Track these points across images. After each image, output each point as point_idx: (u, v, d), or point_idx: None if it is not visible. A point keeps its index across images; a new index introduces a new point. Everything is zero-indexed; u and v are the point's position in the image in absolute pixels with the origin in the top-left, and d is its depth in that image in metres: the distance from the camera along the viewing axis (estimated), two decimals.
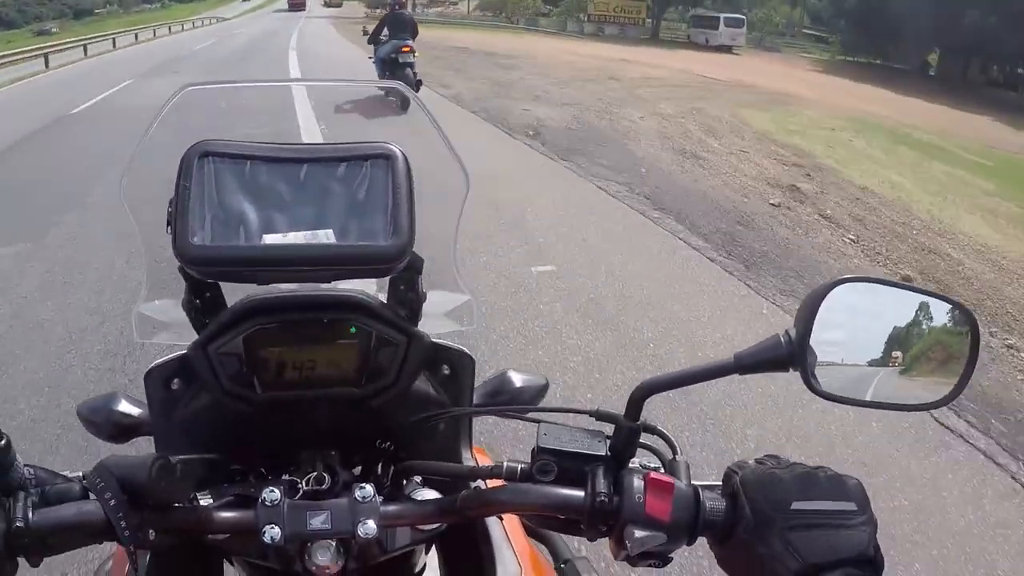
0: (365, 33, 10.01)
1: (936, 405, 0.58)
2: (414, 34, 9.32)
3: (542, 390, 0.83)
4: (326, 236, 0.58)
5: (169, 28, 31.26)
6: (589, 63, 17.50)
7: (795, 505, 0.51)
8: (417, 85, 8.48)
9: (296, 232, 0.58)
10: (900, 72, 31.09)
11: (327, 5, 51.55)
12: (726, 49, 33.33)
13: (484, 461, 0.65)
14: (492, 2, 48.68)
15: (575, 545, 0.81)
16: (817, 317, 0.53)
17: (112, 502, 0.50)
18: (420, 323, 0.67)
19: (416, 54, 9.12)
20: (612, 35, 37.60)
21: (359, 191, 0.60)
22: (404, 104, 7.82)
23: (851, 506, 0.51)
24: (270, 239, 0.58)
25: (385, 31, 9.36)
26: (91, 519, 0.51)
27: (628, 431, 0.57)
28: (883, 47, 34.77)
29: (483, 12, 49.70)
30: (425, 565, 0.79)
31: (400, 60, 8.92)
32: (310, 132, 6.93)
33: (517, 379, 0.82)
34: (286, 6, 57.73)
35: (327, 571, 0.58)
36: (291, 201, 0.59)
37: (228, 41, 23.85)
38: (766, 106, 12.22)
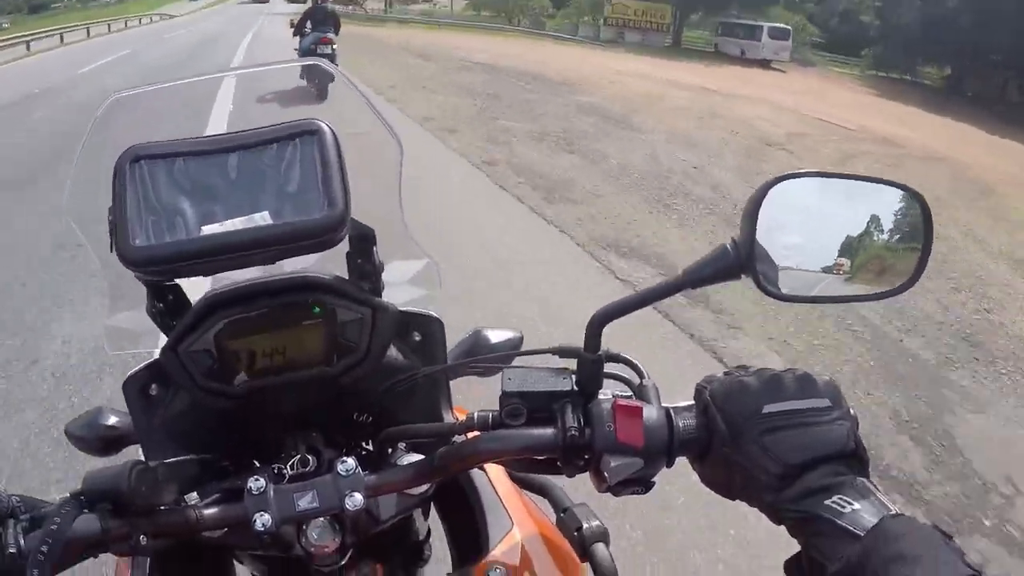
0: (292, 25, 12.63)
1: (895, 292, 0.70)
2: (336, 27, 12.21)
3: (517, 343, 0.96)
4: (262, 218, 0.70)
5: (88, 31, 29.66)
6: (682, 99, 15.44)
7: (766, 408, 0.61)
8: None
9: (233, 219, 0.70)
10: (936, 92, 32.91)
11: (291, 0, 53.91)
12: (765, 63, 34.18)
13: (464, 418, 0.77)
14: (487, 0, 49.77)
15: (575, 494, 0.92)
16: (765, 217, 0.64)
17: (98, 515, 0.62)
18: (384, 293, 0.80)
19: (335, 45, 11.87)
20: (633, 43, 38.32)
21: (290, 170, 0.72)
22: (323, 91, 9.55)
23: (824, 402, 0.61)
24: (208, 230, 0.69)
25: (308, 24, 12.04)
26: (81, 535, 0.61)
27: (591, 363, 0.69)
28: (912, 63, 37.25)
29: (476, 11, 50.53)
30: (429, 531, 0.92)
31: (319, 51, 11.47)
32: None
33: (491, 335, 0.96)
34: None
35: (325, 549, 0.71)
36: (225, 190, 0.71)
37: (150, 52, 21.38)
38: (985, 206, 9.37)
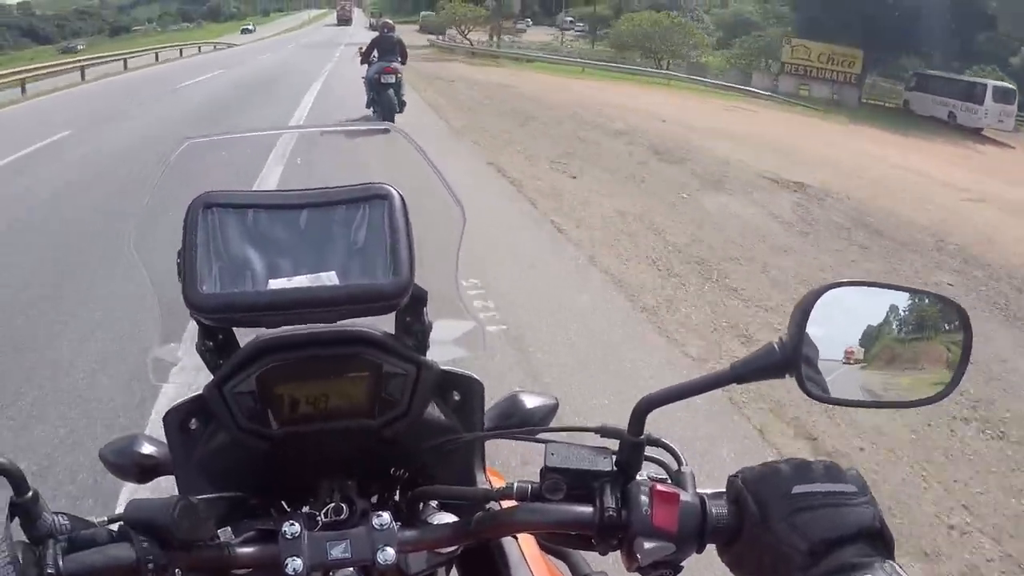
0: (360, 53, 15.84)
1: (933, 400, 0.87)
2: (403, 56, 15.33)
3: (552, 410, 1.19)
4: (328, 278, 0.89)
5: (123, 63, 31.53)
6: None
7: (795, 489, 0.78)
8: (401, 105, 14.82)
9: (300, 276, 0.89)
10: None
11: (373, 28, 57.25)
12: (976, 131, 33.13)
13: (498, 483, 0.96)
14: (630, 36, 48.56)
15: (593, 561, 1.10)
16: (813, 322, 0.82)
17: (141, 545, 0.79)
18: (428, 352, 1.01)
19: (400, 74, 14.92)
20: (823, 99, 37.67)
21: (358, 232, 0.92)
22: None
23: (851, 488, 0.78)
24: (275, 284, 0.88)
25: (375, 53, 15.16)
26: (119, 563, 0.78)
27: (632, 445, 0.88)
28: None
29: (595, 47, 50.94)
30: None
31: (383, 81, 14.66)
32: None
33: (527, 400, 1.20)
34: (335, 22, 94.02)
35: None
36: (294, 246, 0.91)
37: (143, 119, 16.81)
38: None
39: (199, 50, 48.15)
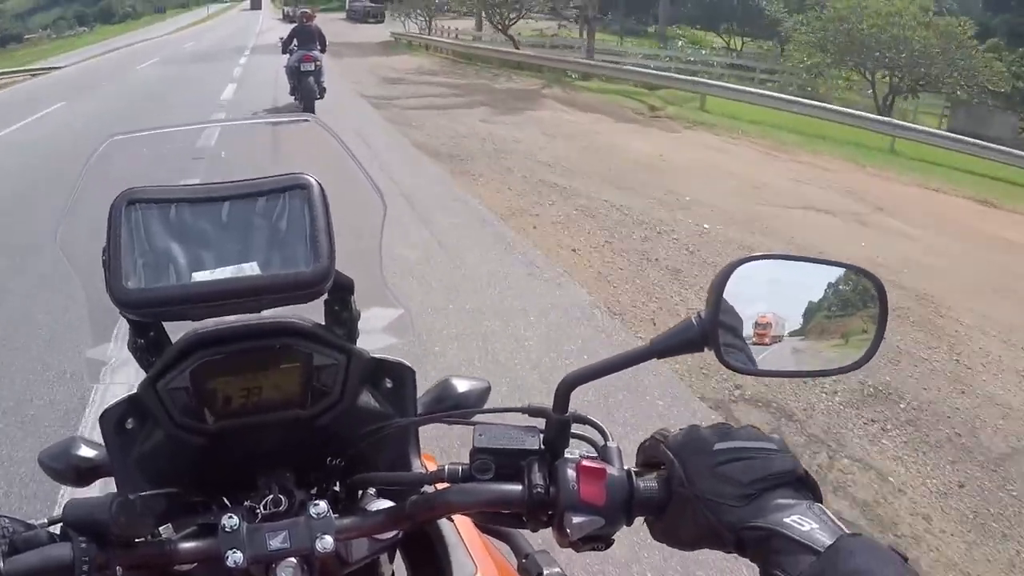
0: (280, 41, 18.77)
1: (851, 368, 1.02)
2: (322, 46, 18.00)
3: (485, 392, 1.36)
4: (251, 268, 1.03)
5: None
6: None
7: (718, 446, 0.92)
8: (321, 92, 17.46)
9: (223, 267, 1.02)
10: None
11: (288, 19, 47.18)
12: None
13: (433, 467, 1.09)
14: (856, 42, 30.26)
15: (536, 540, 1.26)
16: (727, 295, 0.97)
17: (80, 544, 0.90)
18: (358, 340, 1.17)
19: (319, 62, 17.42)
20: None
21: (279, 222, 1.06)
22: (310, 107, 16.12)
23: (772, 445, 0.92)
24: (199, 276, 1.02)
25: (295, 42, 17.86)
26: (59, 563, 0.89)
27: (558, 423, 1.03)
28: None
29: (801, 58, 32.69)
30: (393, 573, 1.29)
31: (303, 69, 17.21)
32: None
33: (459, 384, 1.37)
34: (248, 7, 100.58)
35: None
36: (217, 238, 1.04)
37: None
38: None
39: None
